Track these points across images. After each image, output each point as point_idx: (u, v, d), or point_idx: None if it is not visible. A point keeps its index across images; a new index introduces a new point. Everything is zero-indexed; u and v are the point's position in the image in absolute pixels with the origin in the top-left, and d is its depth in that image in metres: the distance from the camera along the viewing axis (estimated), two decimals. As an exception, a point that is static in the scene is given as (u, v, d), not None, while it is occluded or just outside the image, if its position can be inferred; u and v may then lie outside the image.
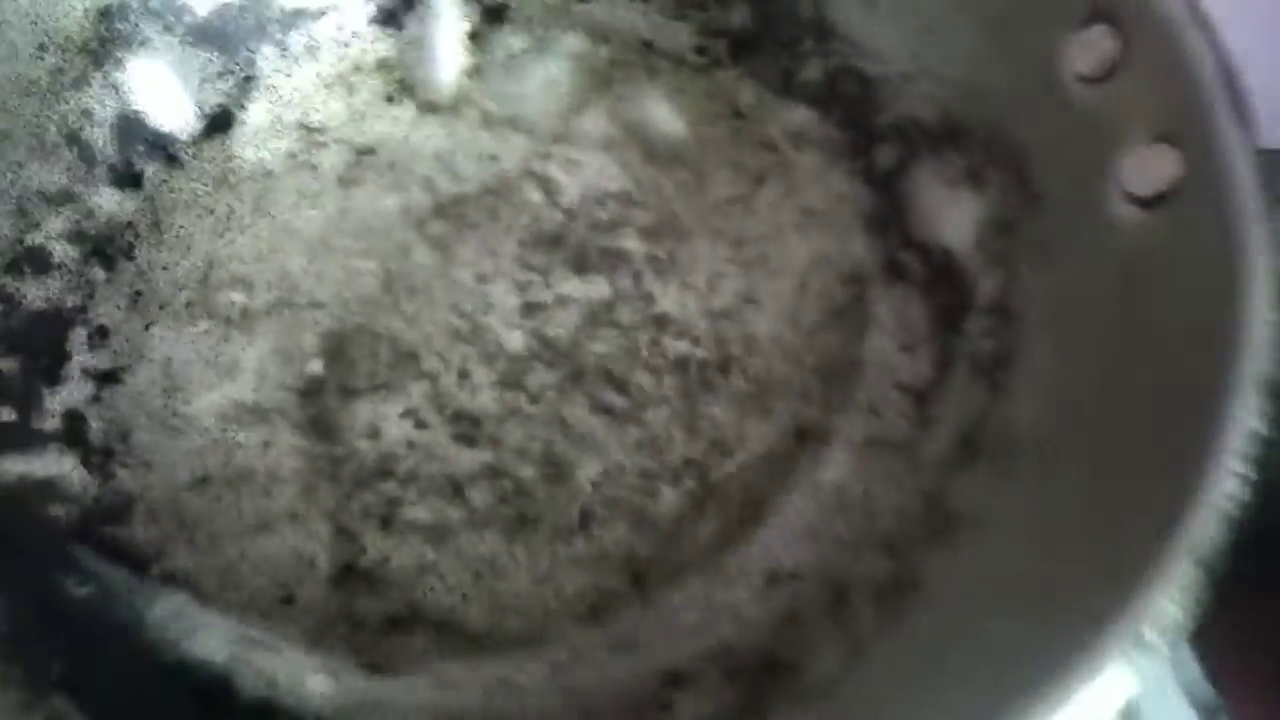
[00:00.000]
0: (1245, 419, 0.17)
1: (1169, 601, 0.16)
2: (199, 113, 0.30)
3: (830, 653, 0.23)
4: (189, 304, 0.28)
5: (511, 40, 0.33)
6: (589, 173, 0.31)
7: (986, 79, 0.27)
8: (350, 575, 0.26)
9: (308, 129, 0.31)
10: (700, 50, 0.32)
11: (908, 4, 0.28)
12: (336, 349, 0.28)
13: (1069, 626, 0.17)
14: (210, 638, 0.24)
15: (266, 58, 0.31)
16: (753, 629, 0.25)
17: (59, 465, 0.26)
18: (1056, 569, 0.20)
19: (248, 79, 0.31)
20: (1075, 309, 0.24)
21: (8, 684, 0.20)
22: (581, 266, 0.30)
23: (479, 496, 0.27)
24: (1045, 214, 0.25)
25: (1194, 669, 0.38)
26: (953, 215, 0.28)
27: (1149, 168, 0.22)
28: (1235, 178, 0.20)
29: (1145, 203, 0.22)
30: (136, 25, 0.29)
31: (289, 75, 0.31)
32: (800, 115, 0.31)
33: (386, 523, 0.27)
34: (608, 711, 0.24)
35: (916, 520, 0.25)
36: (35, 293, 0.27)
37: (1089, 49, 0.24)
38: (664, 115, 0.32)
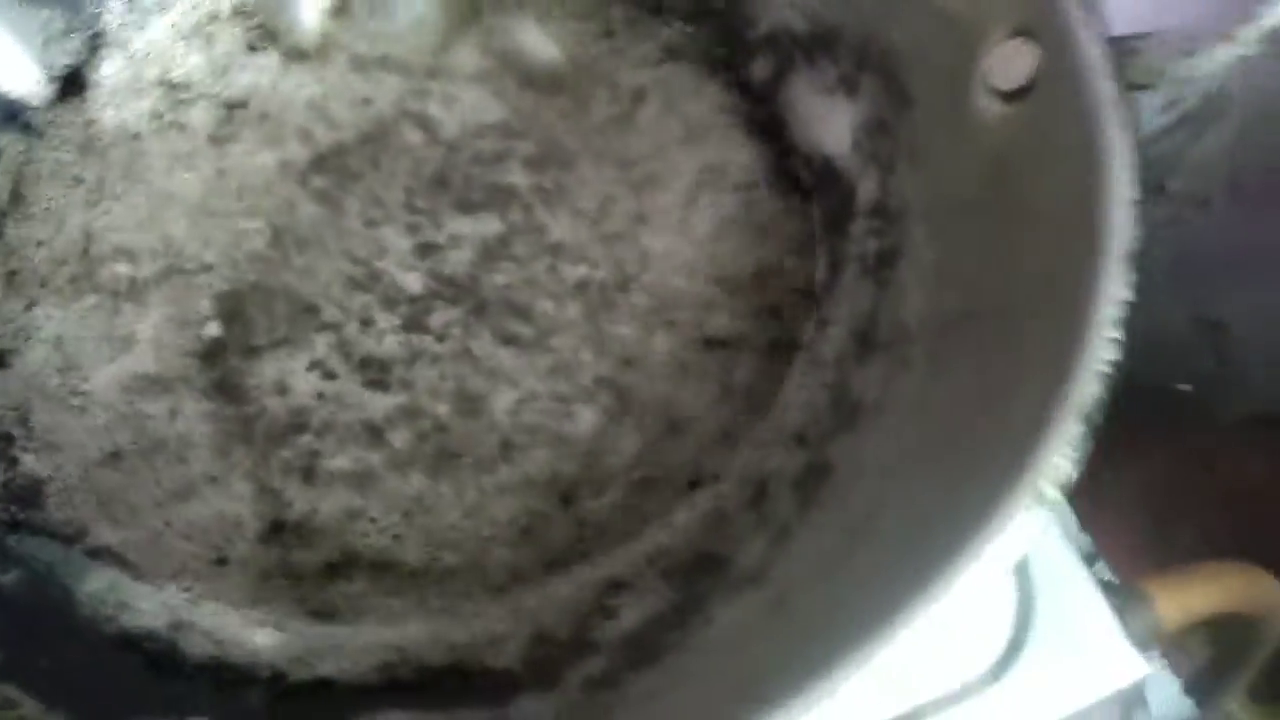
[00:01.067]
0: (1116, 291, 0.19)
1: (1061, 458, 0.18)
2: (48, 75, 0.29)
3: (757, 542, 0.25)
4: (72, 279, 0.27)
5: (372, -25, 0.32)
6: (466, 107, 0.31)
7: (852, -15, 0.28)
8: (280, 530, 0.26)
9: (170, 86, 0.30)
10: (567, -28, 0.32)
11: (769, -85, 0.29)
12: (233, 310, 0.28)
13: (975, 491, 0.19)
14: (147, 607, 0.24)
15: (113, 12, 0.29)
16: (682, 530, 0.26)
17: (-41, 457, 0.25)
18: (958, 441, 0.22)
19: (95, 36, 0.29)
20: (950, 203, 0.25)
21: (-50, 680, 0.20)
22: (470, 204, 0.30)
23: (398, 438, 0.27)
24: (917, 115, 0.27)
25: (1070, 519, 0.41)
26: (830, 121, 0.29)
27: (1009, 62, 0.24)
28: (1090, 66, 0.22)
29: (1008, 96, 0.24)
30: (-34, -14, 0.27)
31: (141, 29, 0.30)
32: (673, 31, 0.31)
33: (308, 475, 0.27)
34: (555, 624, 0.25)
35: (823, 412, 0.26)
36: (-99, 284, 0.26)
37: (950, -52, 0.25)
38: (536, 41, 0.32)
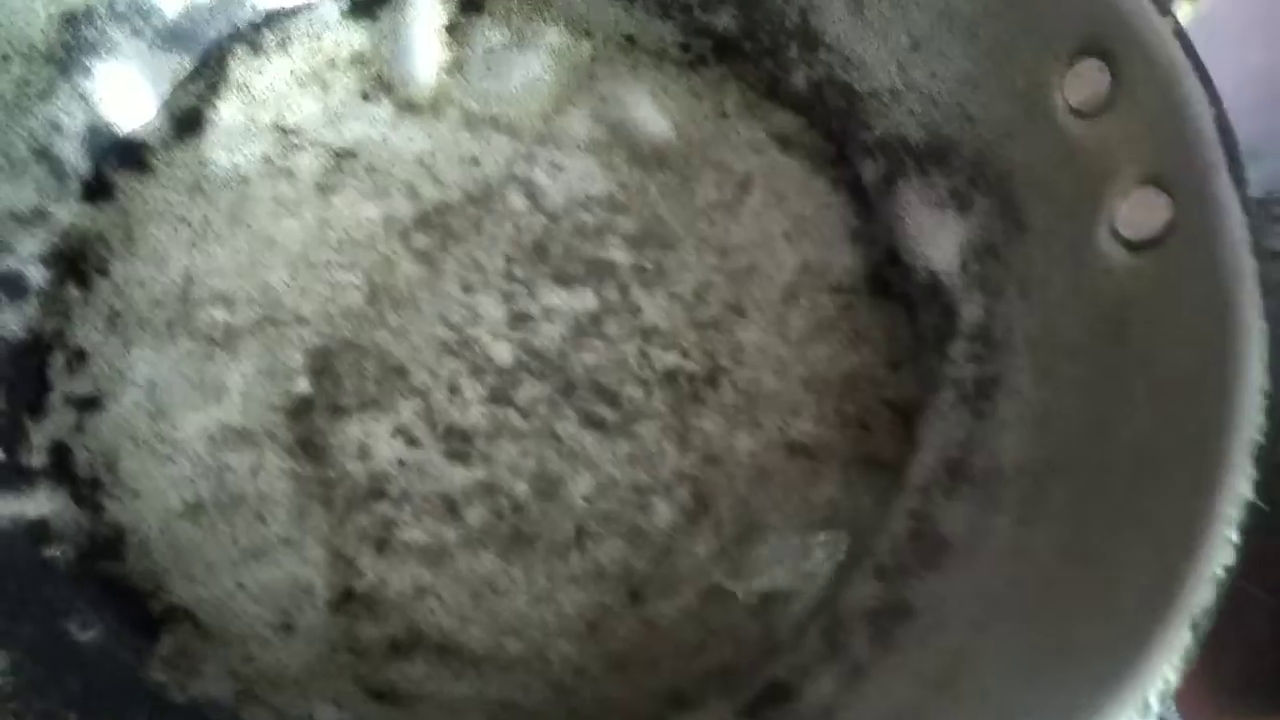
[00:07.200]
0: (1238, 488, 0.18)
1: (1168, 668, 0.17)
2: (170, 116, 0.29)
3: (827, 677, 0.24)
4: (169, 323, 0.27)
5: (490, 34, 0.32)
6: (573, 176, 0.31)
7: (975, 102, 0.27)
8: (349, 600, 0.26)
9: (283, 131, 0.30)
10: (684, 47, 0.32)
11: (897, 19, 0.28)
12: (323, 366, 0.28)
13: (1069, 684, 0.18)
14: (214, 674, 0.24)
15: (238, 57, 0.30)
16: (750, 650, 0.26)
17: (50, 503, 0.25)
18: (1050, 607, 0.21)
19: (218, 78, 0.30)
20: (1061, 343, 0.25)
21: (22, 744, 0.20)
22: (567, 277, 0.30)
23: (473, 515, 0.27)
24: (1031, 243, 0.26)
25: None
26: (937, 236, 0.28)
27: (1138, 210, 0.23)
28: (1228, 230, 0.21)
29: (1134, 246, 0.23)
30: (103, 30, 0.27)
31: (261, 73, 0.30)
32: (786, 120, 0.31)
33: (382, 545, 0.27)
34: (612, 733, 0.25)
35: (905, 543, 0.26)
36: (12, 321, 0.26)
37: (1081, 82, 0.24)
38: (648, 114, 0.32)
